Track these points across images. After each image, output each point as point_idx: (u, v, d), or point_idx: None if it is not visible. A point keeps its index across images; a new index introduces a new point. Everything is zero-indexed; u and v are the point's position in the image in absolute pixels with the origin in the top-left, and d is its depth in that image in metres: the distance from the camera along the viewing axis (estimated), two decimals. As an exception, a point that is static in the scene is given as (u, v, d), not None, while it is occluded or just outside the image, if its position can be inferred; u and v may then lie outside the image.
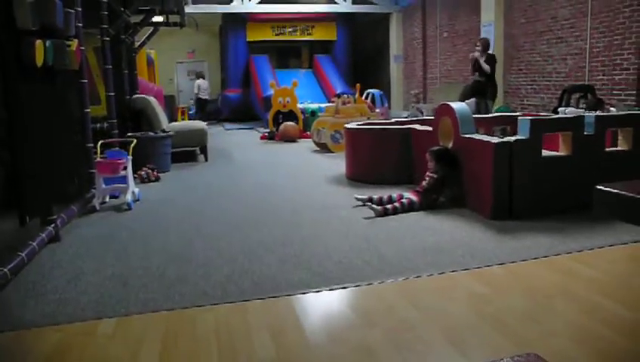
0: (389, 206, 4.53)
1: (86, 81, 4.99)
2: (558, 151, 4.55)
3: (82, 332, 2.52)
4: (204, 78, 17.16)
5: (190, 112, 16.03)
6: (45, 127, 4.01)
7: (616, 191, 1.32)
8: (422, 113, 11.13)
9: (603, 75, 8.47)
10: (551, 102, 9.39)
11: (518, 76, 10.69)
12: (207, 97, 16.83)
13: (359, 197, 4.78)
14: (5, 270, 2.96)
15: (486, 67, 8.26)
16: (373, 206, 4.53)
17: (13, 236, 3.65)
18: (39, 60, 3.52)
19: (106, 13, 6.33)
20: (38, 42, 3.50)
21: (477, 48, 8.54)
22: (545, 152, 4.41)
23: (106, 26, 6.37)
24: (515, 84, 10.78)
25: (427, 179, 4.68)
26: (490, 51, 8.66)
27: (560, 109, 7.43)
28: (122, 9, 7.21)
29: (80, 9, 4.76)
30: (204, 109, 16.38)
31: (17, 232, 3.69)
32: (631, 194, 1.32)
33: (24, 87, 3.55)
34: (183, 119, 14.38)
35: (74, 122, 4.91)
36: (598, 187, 1.37)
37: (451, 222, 4.21)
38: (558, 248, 3.49)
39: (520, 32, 10.49)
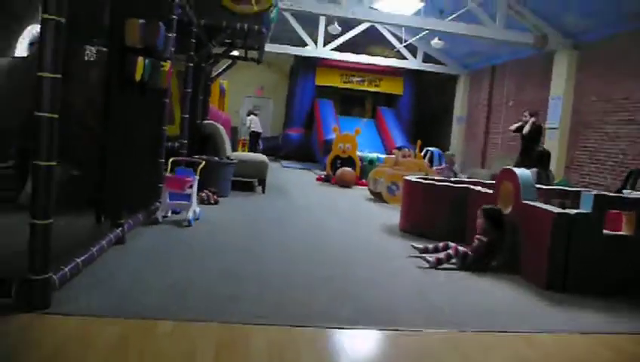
0: (442, 255, 4.55)
1: (168, 100, 5.35)
2: (619, 231, 4.49)
3: (142, 328, 2.67)
4: (255, 115, 17.07)
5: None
6: (130, 138, 4.31)
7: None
8: (455, 175, 11.06)
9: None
10: (613, 184, 9.21)
11: (582, 153, 10.56)
12: (260, 131, 16.77)
13: (416, 245, 4.84)
14: (78, 261, 3.19)
15: (526, 129, 8.50)
16: (427, 257, 4.58)
17: (88, 233, 3.90)
18: (138, 76, 3.84)
19: (194, 41, 6.79)
20: (140, 59, 3.82)
21: (524, 118, 8.82)
22: (606, 231, 4.36)
23: (192, 53, 6.81)
24: (579, 161, 10.64)
25: (476, 241, 4.67)
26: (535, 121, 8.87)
27: (625, 191, 7.29)
28: (208, 39, 7.69)
29: (175, 34, 5.16)
30: (257, 143, 16.53)
31: (92, 230, 3.94)
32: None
33: (120, 100, 3.87)
34: (243, 150, 14.81)
35: (151, 137, 5.24)
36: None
37: (504, 287, 4.19)
38: (609, 326, 3.43)
39: (589, 109, 10.42)
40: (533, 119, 8.87)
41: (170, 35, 4.69)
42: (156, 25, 4.03)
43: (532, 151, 8.79)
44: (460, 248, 4.62)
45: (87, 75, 4.32)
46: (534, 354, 2.87)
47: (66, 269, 2.98)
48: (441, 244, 4.79)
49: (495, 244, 4.65)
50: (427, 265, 4.49)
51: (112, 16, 3.85)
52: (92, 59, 4.32)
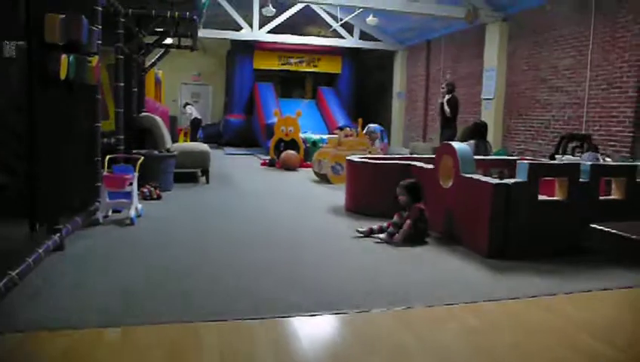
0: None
1: (100, 96, 5.14)
2: (553, 196, 4.69)
3: (88, 338, 2.59)
4: (190, 105, 16.69)
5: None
6: (60, 138, 4.12)
7: (608, 229, 1.44)
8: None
9: (600, 126, 8.71)
10: (548, 149, 9.61)
11: (517, 121, 10.94)
12: (200, 117, 16.44)
13: (361, 230, 4.91)
14: (13, 274, 3.03)
15: (447, 109, 8.81)
16: (380, 236, 4.75)
17: (22, 242, 3.72)
18: (63, 74, 3.66)
19: (122, 32, 6.53)
20: (64, 57, 3.64)
21: (442, 90, 9.13)
22: (541, 197, 4.55)
23: (121, 45, 6.56)
24: (514, 129, 11.02)
25: (406, 222, 4.78)
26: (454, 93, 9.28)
27: (557, 156, 7.62)
28: (137, 29, 7.42)
29: (100, 27, 4.94)
30: (198, 130, 16.21)
31: (26, 239, 3.76)
32: (621, 233, 1.43)
33: (45, 100, 3.68)
34: (185, 140, 14.48)
35: (84, 135, 5.03)
36: (593, 225, 1.48)
37: (448, 259, 4.31)
38: (550, 289, 3.59)
39: (521, 79, 10.78)
40: (446, 98, 9.24)
41: (94, 27, 4.49)
42: (78, 19, 3.84)
43: (453, 124, 9.24)
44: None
45: (7, 73, 4.08)
46: (481, 324, 2.97)
47: (0, 284, 2.83)
48: (385, 224, 4.88)
49: (421, 217, 4.80)
50: (375, 242, 4.59)
51: (28, 10, 3.63)
52: (12, 55, 4.08)
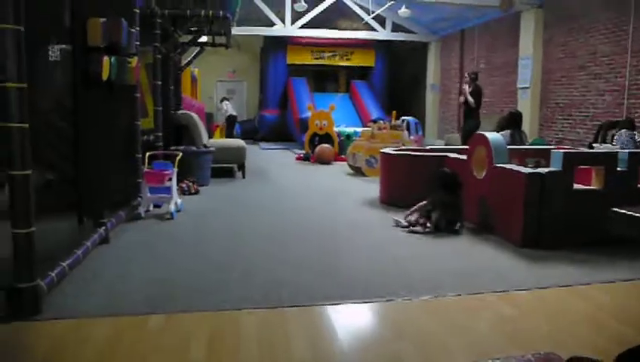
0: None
1: (139, 95, 5.34)
2: (590, 185, 4.64)
3: (133, 324, 2.75)
4: (227, 100, 17.08)
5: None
6: (102, 137, 4.31)
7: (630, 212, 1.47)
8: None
9: (641, 113, 8.48)
10: (587, 138, 9.42)
11: (554, 110, 10.74)
12: (235, 114, 16.79)
13: (398, 219, 4.99)
14: (64, 265, 3.23)
15: (471, 100, 8.68)
16: (416, 229, 4.82)
17: (71, 235, 3.93)
18: (105, 75, 3.83)
19: (159, 32, 6.73)
20: (105, 58, 3.82)
21: (465, 80, 8.96)
22: (577, 186, 4.51)
23: (158, 45, 6.75)
24: (552, 118, 10.83)
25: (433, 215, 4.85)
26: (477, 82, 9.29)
27: (595, 145, 7.47)
28: (173, 29, 7.62)
29: (138, 28, 5.12)
30: (234, 127, 16.48)
31: (74, 232, 3.97)
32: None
33: (88, 100, 3.86)
34: (220, 136, 14.73)
35: (125, 133, 5.24)
36: (615, 209, 1.52)
37: (481, 249, 4.33)
38: (584, 278, 3.58)
39: (558, 67, 10.57)
40: (466, 87, 9.10)
41: (133, 29, 4.67)
42: (118, 22, 4.01)
43: (476, 113, 9.09)
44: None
45: (53, 77, 4.30)
46: (515, 312, 3.00)
47: (53, 274, 3.02)
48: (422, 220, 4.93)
49: (456, 207, 4.84)
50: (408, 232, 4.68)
51: (73, 16, 3.82)
52: (57, 59, 4.29)
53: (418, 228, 4.82)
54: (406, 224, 4.92)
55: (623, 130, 6.83)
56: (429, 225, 4.78)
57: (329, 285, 3.39)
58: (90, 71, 3.79)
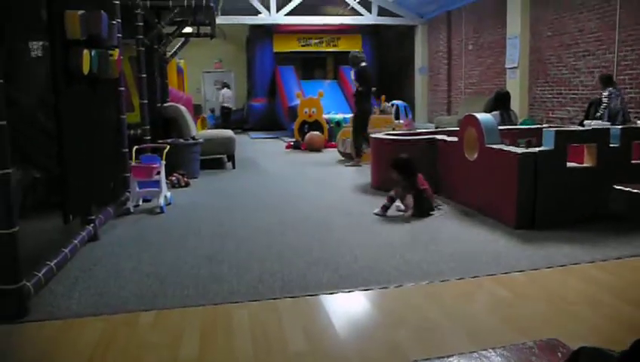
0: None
1: (123, 88, 5.23)
2: (583, 163, 4.61)
3: (124, 322, 2.68)
4: (229, 88, 17.44)
5: (211, 122, 15.90)
6: (86, 132, 4.21)
7: (628, 189, 1.42)
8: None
9: (631, 88, 8.46)
10: (577, 115, 9.39)
11: (543, 89, 10.70)
12: (231, 106, 17.07)
13: (376, 211, 4.93)
14: (51, 264, 3.15)
15: (355, 84, 8.30)
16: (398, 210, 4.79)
17: (58, 234, 3.86)
18: (86, 69, 3.73)
19: (141, 24, 6.59)
20: (85, 52, 3.71)
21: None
22: (569, 164, 4.47)
23: (141, 37, 6.62)
24: (541, 97, 10.79)
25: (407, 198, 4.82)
26: (363, 65, 8.42)
27: (586, 122, 7.45)
28: (156, 20, 7.49)
29: (119, 20, 5.00)
30: (229, 118, 16.62)
31: (61, 231, 3.89)
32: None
33: (70, 95, 3.76)
34: (203, 128, 14.60)
35: (111, 128, 5.13)
36: (617, 187, 1.47)
37: (475, 231, 4.30)
38: (581, 257, 3.56)
39: (546, 45, 10.52)
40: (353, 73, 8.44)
41: (113, 21, 4.55)
42: (97, 14, 3.90)
43: (366, 98, 8.43)
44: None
45: (35, 72, 4.18)
46: (512, 294, 2.97)
47: (40, 275, 2.94)
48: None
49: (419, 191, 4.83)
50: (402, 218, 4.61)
51: (49, 8, 3.70)
52: (39, 54, 4.17)
53: (400, 206, 4.87)
54: (381, 210, 4.89)
55: (610, 88, 7.51)
56: (402, 207, 4.82)
57: (322, 274, 3.34)
58: (71, 65, 3.68)
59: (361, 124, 8.28)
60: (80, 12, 3.65)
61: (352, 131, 8.45)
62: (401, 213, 4.81)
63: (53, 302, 2.95)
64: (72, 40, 3.67)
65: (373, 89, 8.87)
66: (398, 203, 4.92)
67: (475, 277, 3.25)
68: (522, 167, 4.26)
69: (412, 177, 4.86)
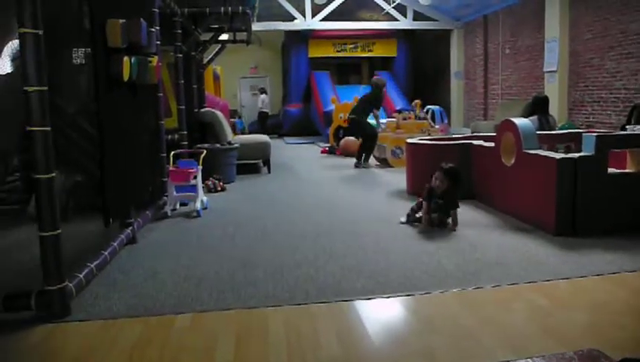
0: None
1: (162, 94, 5.35)
2: (625, 169, 4.48)
3: (161, 324, 2.73)
4: (266, 94, 17.65)
5: (239, 127, 15.88)
6: (126, 137, 4.32)
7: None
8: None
9: (676, 92, 8.17)
10: (619, 120, 9.12)
11: (583, 93, 10.44)
12: (268, 111, 17.29)
13: (403, 220, 4.86)
14: (92, 266, 3.24)
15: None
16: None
17: (98, 237, 3.96)
18: (126, 75, 3.83)
19: (179, 31, 6.74)
20: (126, 59, 3.81)
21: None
22: (611, 169, 4.35)
23: (179, 44, 6.77)
24: (581, 101, 10.53)
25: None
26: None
27: (628, 127, 7.23)
28: (194, 27, 7.63)
29: (158, 28, 5.12)
30: (265, 123, 16.82)
31: (101, 233, 4.00)
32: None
33: (111, 101, 3.87)
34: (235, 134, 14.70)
35: (149, 133, 5.25)
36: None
37: (513, 238, 4.22)
38: (623, 265, 3.45)
39: (586, 48, 10.26)
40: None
41: (152, 29, 4.66)
42: (137, 22, 4.00)
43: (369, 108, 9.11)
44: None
45: (78, 79, 4.32)
46: (551, 303, 2.90)
47: (81, 276, 3.03)
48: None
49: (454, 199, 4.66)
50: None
51: (92, 18, 3.83)
52: (82, 62, 4.31)
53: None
54: (410, 218, 4.81)
55: None
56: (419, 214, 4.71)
57: (357, 279, 3.33)
58: (112, 72, 3.79)
59: (369, 145, 9.02)
60: (121, 21, 3.76)
61: (360, 144, 9.10)
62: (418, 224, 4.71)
63: (93, 302, 3.03)
64: (113, 47, 3.77)
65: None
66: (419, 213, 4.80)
67: (513, 284, 3.19)
68: (561, 173, 4.16)
69: (458, 187, 4.70)
